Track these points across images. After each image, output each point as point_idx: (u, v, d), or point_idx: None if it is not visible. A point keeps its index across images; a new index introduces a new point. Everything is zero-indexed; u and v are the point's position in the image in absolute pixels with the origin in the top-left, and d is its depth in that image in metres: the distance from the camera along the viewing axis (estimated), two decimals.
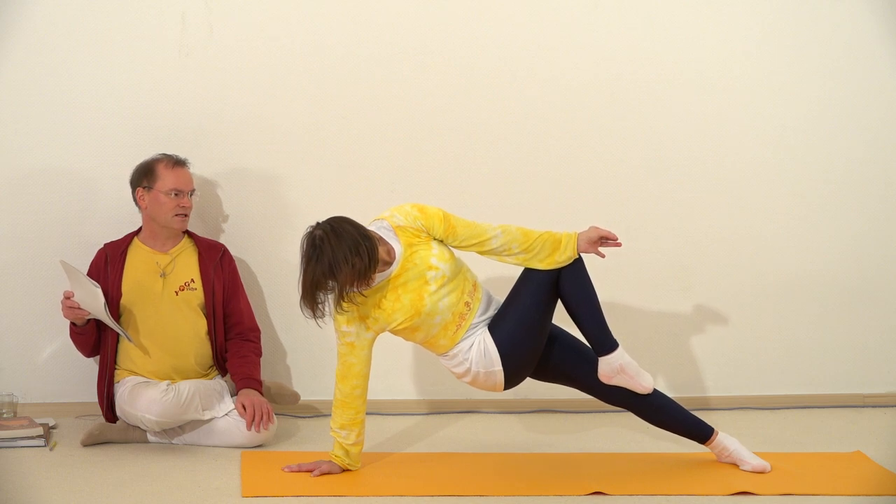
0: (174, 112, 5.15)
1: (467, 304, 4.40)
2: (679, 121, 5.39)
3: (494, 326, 4.41)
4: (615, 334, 4.44)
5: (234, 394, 4.88)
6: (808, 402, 5.50)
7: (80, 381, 5.13)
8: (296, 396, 5.16)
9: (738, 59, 5.38)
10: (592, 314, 4.41)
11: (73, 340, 4.89)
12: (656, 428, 4.61)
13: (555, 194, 5.34)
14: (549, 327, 4.46)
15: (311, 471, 4.44)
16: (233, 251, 5.08)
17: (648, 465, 4.64)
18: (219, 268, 4.95)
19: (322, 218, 4.27)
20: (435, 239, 4.41)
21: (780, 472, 4.50)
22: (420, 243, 4.37)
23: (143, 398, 4.72)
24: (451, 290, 4.37)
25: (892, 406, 5.52)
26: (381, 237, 4.31)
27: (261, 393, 4.83)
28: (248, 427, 4.70)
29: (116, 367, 4.89)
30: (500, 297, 4.51)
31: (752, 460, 4.53)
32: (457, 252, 4.46)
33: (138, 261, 4.91)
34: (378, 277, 4.30)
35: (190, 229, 5.01)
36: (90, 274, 4.89)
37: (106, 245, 4.95)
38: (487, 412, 5.36)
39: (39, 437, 4.74)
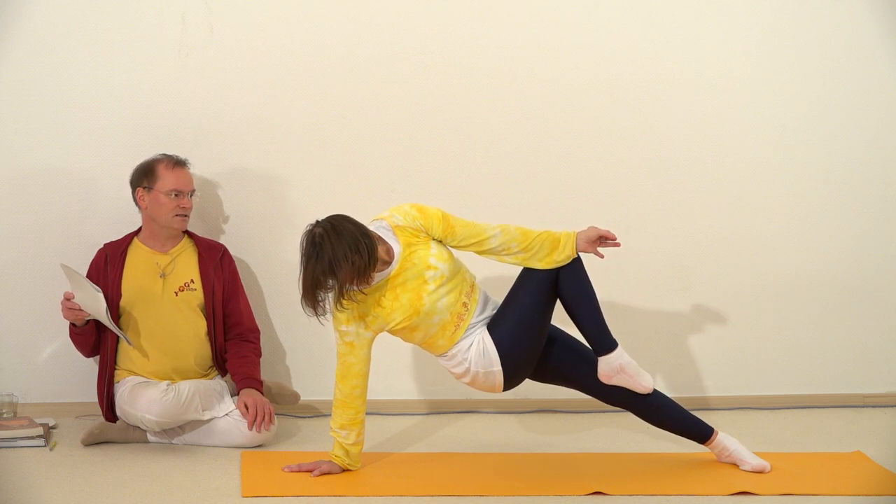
0: (174, 112, 5.15)
1: (465, 304, 4.40)
2: (679, 121, 5.39)
3: (493, 326, 4.41)
4: (615, 334, 4.44)
5: (234, 394, 4.88)
6: (808, 402, 5.50)
7: (80, 381, 5.13)
8: (296, 396, 5.16)
9: (738, 59, 5.38)
10: (591, 314, 4.41)
11: (73, 340, 4.89)
12: (656, 428, 4.61)
13: (555, 194, 5.34)
14: (549, 327, 4.46)
15: (311, 471, 4.44)
16: (233, 251, 5.08)
17: (648, 465, 4.64)
18: (219, 268, 4.95)
19: (322, 218, 4.27)
20: (434, 239, 4.41)
21: (780, 472, 4.50)
22: (419, 243, 4.37)
23: (143, 398, 4.71)
24: (450, 290, 4.37)
25: (892, 406, 5.52)
26: (380, 237, 4.31)
27: (262, 393, 4.83)
28: (250, 427, 4.70)
29: (116, 367, 4.89)
30: (499, 297, 4.51)
31: (751, 460, 4.53)
32: (455, 252, 4.46)
33: (138, 261, 4.91)
34: (377, 277, 4.30)
35: (190, 229, 5.01)
36: (90, 274, 4.89)
37: (106, 245, 4.95)
38: (487, 412, 5.36)
39: (39, 437, 4.74)
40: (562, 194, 5.35)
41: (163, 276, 4.90)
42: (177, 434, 4.79)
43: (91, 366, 5.07)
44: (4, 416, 4.98)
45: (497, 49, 5.27)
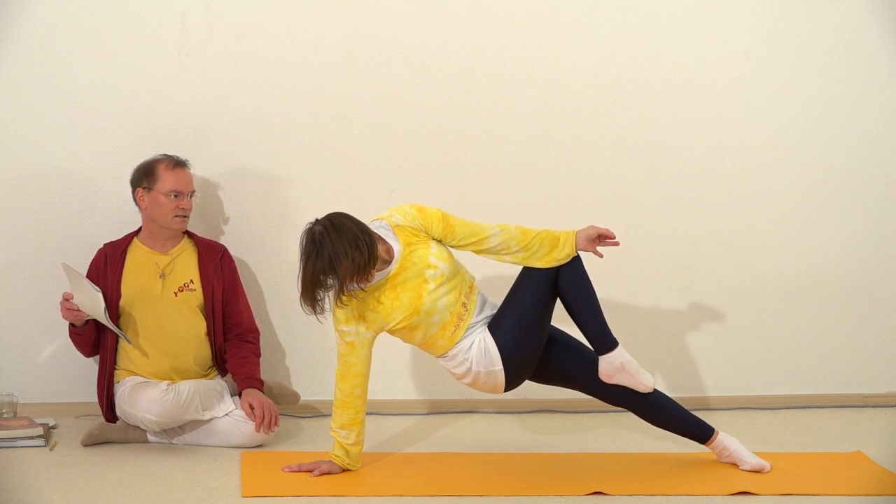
0: (174, 112, 5.15)
1: (464, 304, 4.40)
2: (679, 121, 5.39)
3: (494, 326, 4.41)
4: (615, 334, 4.44)
5: (234, 394, 4.88)
6: (808, 402, 5.50)
7: (80, 381, 5.13)
8: (296, 396, 5.16)
9: (738, 59, 5.38)
10: (592, 313, 4.41)
11: (73, 340, 4.89)
12: (656, 428, 4.61)
13: (555, 194, 5.34)
14: (549, 327, 4.46)
15: (311, 471, 4.44)
16: (233, 251, 5.07)
17: (648, 465, 4.64)
18: (218, 268, 4.95)
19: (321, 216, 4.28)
20: (433, 238, 4.41)
21: (780, 472, 4.50)
22: (419, 242, 4.37)
23: (143, 398, 4.71)
24: (450, 289, 4.37)
25: (892, 406, 5.52)
26: (380, 236, 4.32)
27: (263, 393, 4.83)
28: (258, 429, 4.69)
29: (116, 367, 4.89)
30: (499, 297, 4.51)
31: (752, 460, 4.53)
32: (455, 252, 4.46)
33: (138, 261, 4.91)
34: (377, 276, 4.30)
35: (190, 230, 5.01)
36: (90, 274, 4.89)
37: (106, 245, 4.95)
38: (487, 412, 5.36)
39: (39, 437, 4.74)
40: (562, 194, 5.35)
41: (162, 276, 4.90)
42: (177, 434, 4.79)
43: (91, 366, 5.07)
44: (4, 416, 4.98)
45: (497, 49, 5.28)
